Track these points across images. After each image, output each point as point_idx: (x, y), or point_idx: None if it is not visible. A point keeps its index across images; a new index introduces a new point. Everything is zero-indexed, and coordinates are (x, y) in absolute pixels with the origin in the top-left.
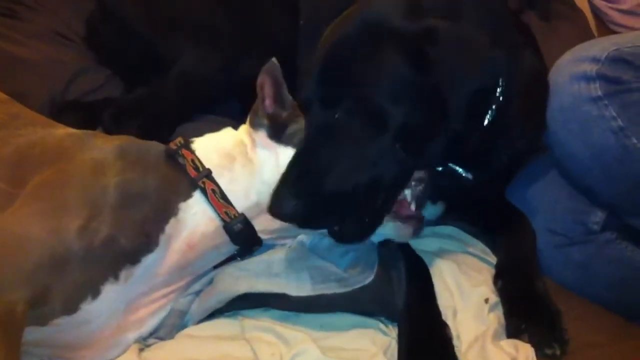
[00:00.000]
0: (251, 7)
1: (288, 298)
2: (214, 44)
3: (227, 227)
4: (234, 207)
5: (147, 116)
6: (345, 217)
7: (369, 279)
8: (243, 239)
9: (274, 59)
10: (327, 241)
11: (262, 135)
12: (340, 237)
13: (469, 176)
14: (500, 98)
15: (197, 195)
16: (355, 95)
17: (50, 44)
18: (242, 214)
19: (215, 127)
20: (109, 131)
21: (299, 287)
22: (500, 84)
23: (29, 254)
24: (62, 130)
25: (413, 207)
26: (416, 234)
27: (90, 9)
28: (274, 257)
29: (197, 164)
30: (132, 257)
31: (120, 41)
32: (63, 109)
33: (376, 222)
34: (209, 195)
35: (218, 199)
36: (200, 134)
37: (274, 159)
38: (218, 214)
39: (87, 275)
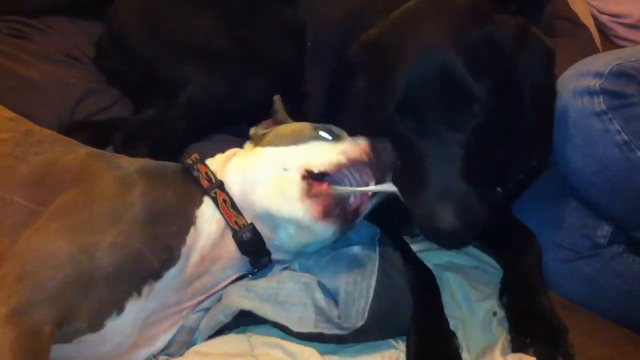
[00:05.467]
0: (257, 30)
1: (290, 329)
2: (220, 69)
3: (236, 236)
4: (244, 217)
5: (156, 139)
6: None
7: (364, 319)
8: (251, 248)
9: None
10: (323, 261)
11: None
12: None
13: (499, 190)
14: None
15: (208, 201)
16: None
17: (58, 65)
18: (251, 224)
19: (225, 147)
20: (119, 153)
21: (302, 323)
22: None
23: (57, 272)
24: (83, 150)
25: (353, 199)
26: (341, 231)
27: (100, 32)
28: (282, 286)
29: (210, 176)
30: (156, 272)
31: (127, 64)
32: (72, 129)
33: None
34: (220, 204)
35: (229, 208)
36: (209, 153)
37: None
38: (228, 223)
39: (113, 291)
